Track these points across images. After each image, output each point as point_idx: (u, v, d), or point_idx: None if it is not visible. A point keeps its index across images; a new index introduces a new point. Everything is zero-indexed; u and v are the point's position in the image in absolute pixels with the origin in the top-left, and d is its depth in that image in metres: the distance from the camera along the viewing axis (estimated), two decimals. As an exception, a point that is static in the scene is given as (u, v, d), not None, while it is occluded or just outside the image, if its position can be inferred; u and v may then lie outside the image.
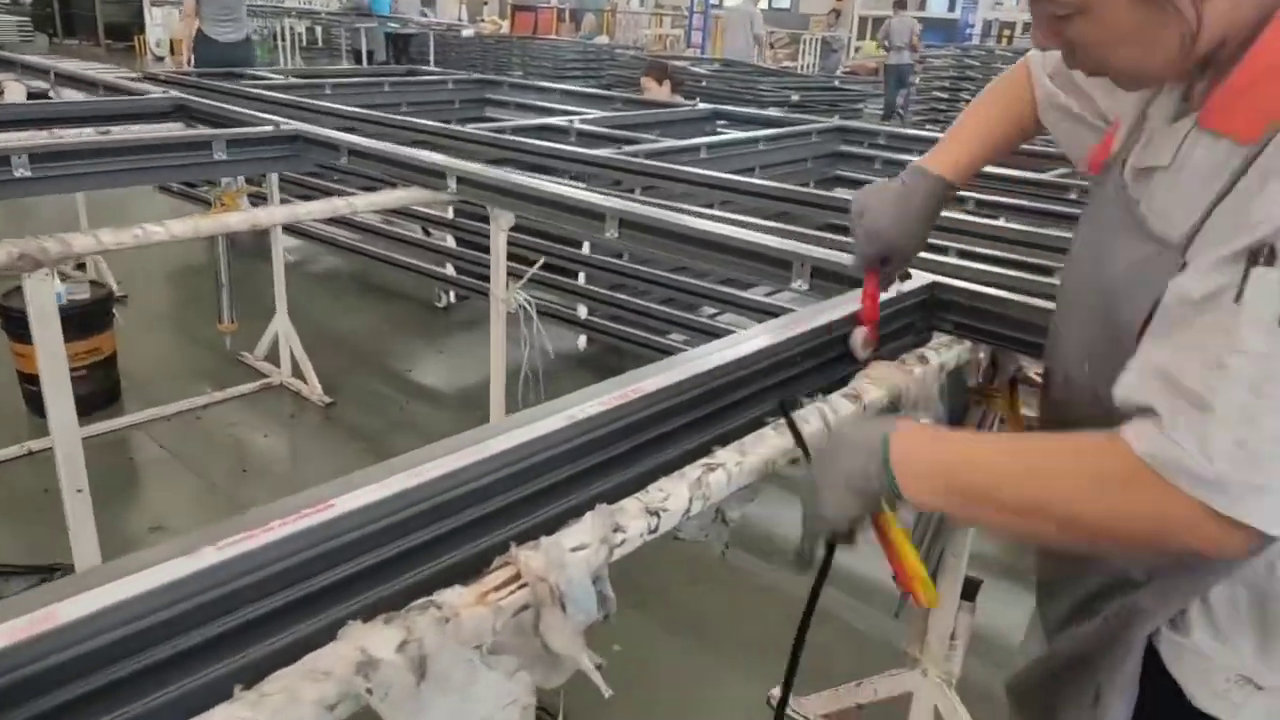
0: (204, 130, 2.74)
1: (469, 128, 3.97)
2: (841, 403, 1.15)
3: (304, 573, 0.71)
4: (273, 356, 3.72)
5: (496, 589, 0.77)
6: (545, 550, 0.81)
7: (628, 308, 3.40)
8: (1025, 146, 1.26)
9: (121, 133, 2.73)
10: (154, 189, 5.28)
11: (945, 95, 10.46)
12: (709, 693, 2.20)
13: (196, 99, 3.13)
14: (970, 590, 1.70)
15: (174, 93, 3.26)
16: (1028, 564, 1.17)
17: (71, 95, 3.79)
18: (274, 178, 3.41)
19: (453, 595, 0.74)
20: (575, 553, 0.81)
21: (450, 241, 4.14)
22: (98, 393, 3.39)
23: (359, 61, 11.58)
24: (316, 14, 14.27)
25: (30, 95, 4.05)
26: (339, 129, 3.20)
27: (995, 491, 0.82)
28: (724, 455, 1.00)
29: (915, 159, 1.21)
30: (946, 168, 1.18)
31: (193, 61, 6.06)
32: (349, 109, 3.98)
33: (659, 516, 0.89)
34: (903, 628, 1.79)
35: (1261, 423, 0.67)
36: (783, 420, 1.04)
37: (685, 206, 2.44)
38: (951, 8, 19.25)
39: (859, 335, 1.24)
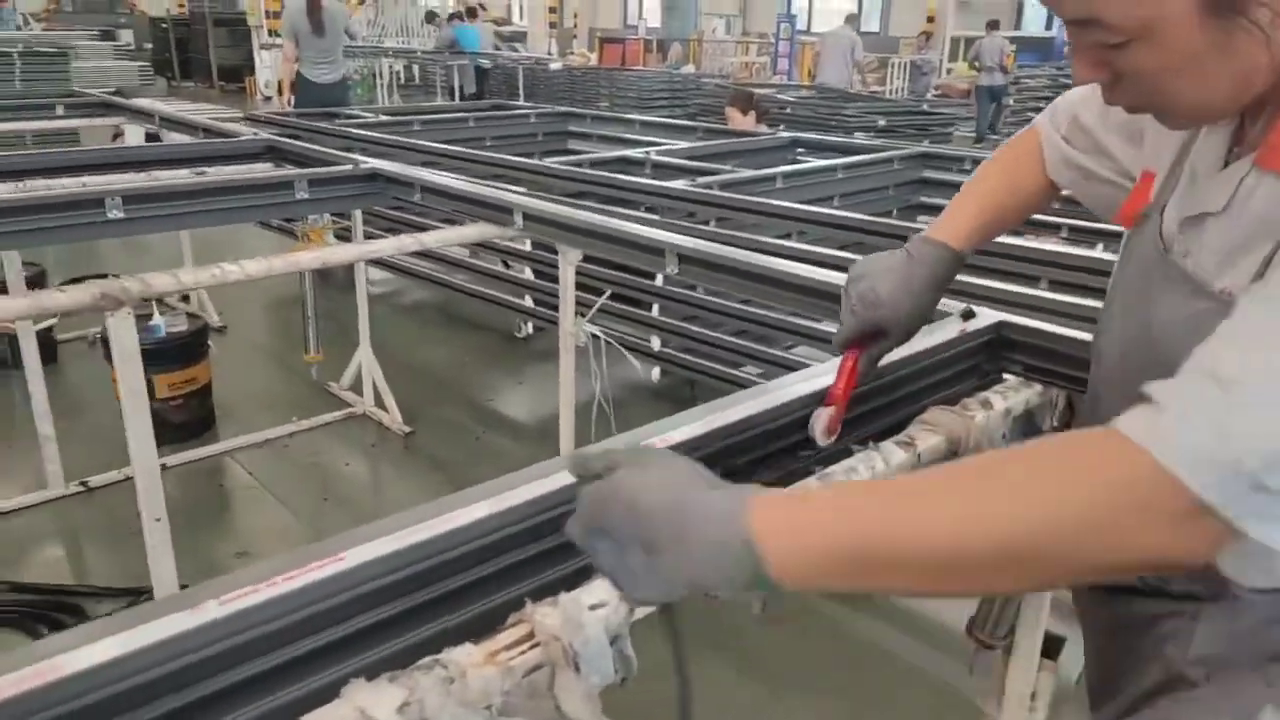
0: (289, 170, 2.84)
1: (549, 161, 4.03)
2: (894, 450, 1.09)
3: (309, 628, 0.70)
4: (357, 386, 3.82)
5: (507, 648, 0.74)
6: (563, 608, 0.78)
7: (700, 339, 3.37)
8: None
9: (214, 174, 2.86)
10: (256, 224, 5.53)
11: (1041, 116, 10.12)
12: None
13: (285, 140, 3.26)
14: (1052, 648, 1.59)
15: (264, 134, 3.41)
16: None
17: (177, 138, 4.00)
18: (357, 214, 3.52)
19: (460, 654, 0.72)
20: (594, 611, 0.78)
21: (528, 273, 4.19)
22: (193, 421, 3.54)
23: (452, 97, 11.95)
24: (413, 53, 14.80)
25: (147, 137, 4.30)
26: (424, 164, 3.29)
27: (908, 541, 0.63)
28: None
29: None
30: (953, 237, 1.08)
31: (292, 102, 6.35)
32: (433, 145, 4.10)
33: (687, 572, 0.86)
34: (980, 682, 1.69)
35: None
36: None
37: (759, 238, 2.40)
38: (1048, 26, 18.70)
39: (822, 418, 1.05)
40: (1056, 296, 1.91)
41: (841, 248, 2.39)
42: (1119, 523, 0.58)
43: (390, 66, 13.87)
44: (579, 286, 2.49)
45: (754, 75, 15.93)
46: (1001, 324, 1.32)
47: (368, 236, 3.86)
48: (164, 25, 17.62)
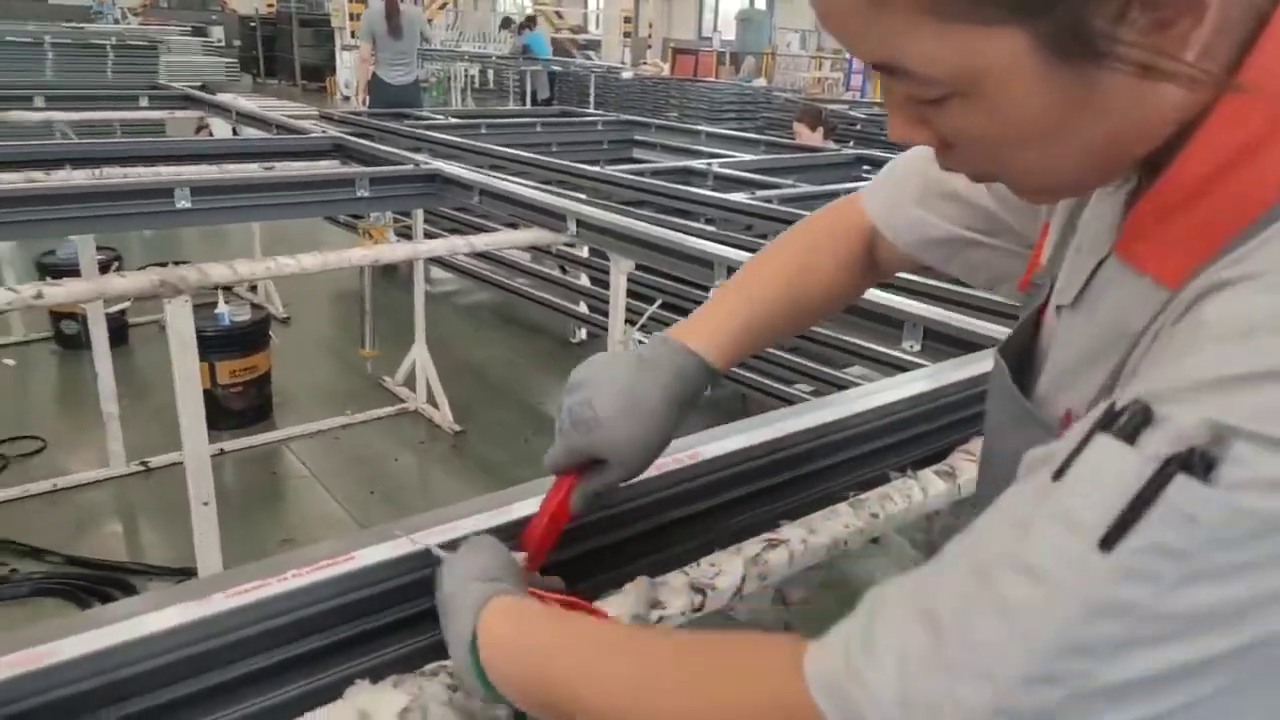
0: (352, 168, 2.90)
1: (612, 169, 4.04)
2: (934, 480, 1.05)
3: (316, 625, 0.70)
4: (410, 383, 3.87)
5: (514, 660, 0.73)
6: (574, 623, 0.76)
7: (753, 354, 3.32)
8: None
9: (282, 169, 2.93)
10: (326, 219, 5.67)
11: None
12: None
13: (351, 138, 3.33)
14: None
15: (332, 132, 3.48)
16: None
17: (252, 133, 4.11)
18: (418, 213, 3.57)
19: (466, 664, 0.71)
20: (604, 628, 0.76)
21: (584, 279, 4.20)
22: (251, 408, 3.62)
23: (523, 102, 12.10)
24: (488, 57, 15.04)
25: (234, 131, 4.44)
26: (490, 168, 3.33)
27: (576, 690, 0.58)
28: (789, 532, 0.93)
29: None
30: (708, 343, 0.80)
31: (367, 102, 6.50)
32: (497, 148, 4.14)
33: (705, 594, 0.83)
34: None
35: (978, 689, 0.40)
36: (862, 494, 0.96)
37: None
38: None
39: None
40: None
41: (911, 271, 2.33)
42: None
43: (465, 70, 14.10)
44: (632, 295, 2.48)
45: (826, 91, 15.80)
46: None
47: (429, 236, 3.91)
48: (252, 24, 18.20)
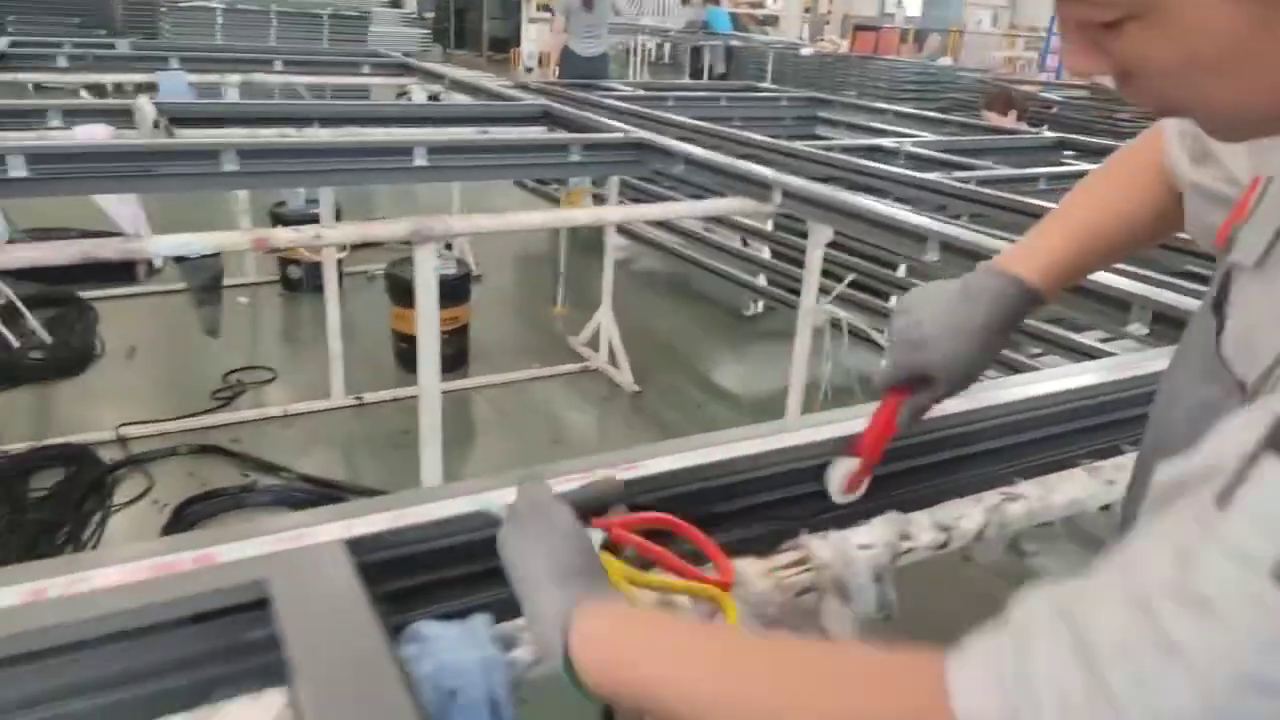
0: (564, 134, 3.06)
1: (798, 144, 4.06)
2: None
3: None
4: (593, 343, 4.05)
5: (784, 568, 0.83)
6: (834, 543, 0.85)
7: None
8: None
9: (496, 133, 3.13)
10: (510, 183, 5.96)
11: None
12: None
13: (559, 106, 3.50)
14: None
15: (541, 100, 3.67)
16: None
17: (459, 99, 4.38)
18: (614, 181, 3.72)
19: (745, 565, 0.81)
20: (862, 550, 0.85)
21: (766, 253, 4.25)
22: (452, 355, 3.90)
23: (699, 76, 12.16)
24: (667, 32, 15.16)
25: (428, 98, 4.75)
26: (677, 139, 3.42)
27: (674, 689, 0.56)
28: (1026, 488, 0.98)
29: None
30: (1028, 269, 0.84)
31: (557, 73, 6.74)
32: (687, 120, 4.23)
33: (949, 533, 0.90)
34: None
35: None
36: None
37: (1018, 239, 2.33)
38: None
39: (840, 470, 0.91)
40: None
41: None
42: None
43: (644, 44, 14.29)
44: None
45: (1018, 72, 15.01)
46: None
47: (620, 203, 4.06)
48: (447, -5, 19.08)
